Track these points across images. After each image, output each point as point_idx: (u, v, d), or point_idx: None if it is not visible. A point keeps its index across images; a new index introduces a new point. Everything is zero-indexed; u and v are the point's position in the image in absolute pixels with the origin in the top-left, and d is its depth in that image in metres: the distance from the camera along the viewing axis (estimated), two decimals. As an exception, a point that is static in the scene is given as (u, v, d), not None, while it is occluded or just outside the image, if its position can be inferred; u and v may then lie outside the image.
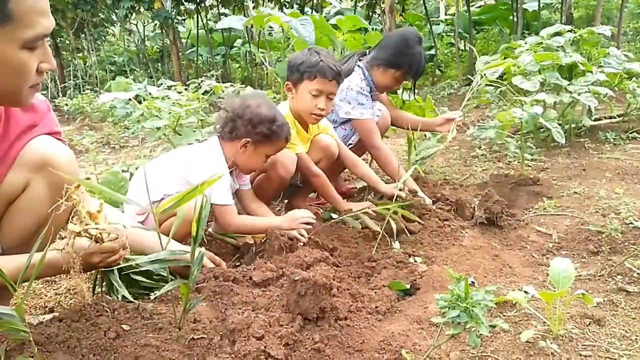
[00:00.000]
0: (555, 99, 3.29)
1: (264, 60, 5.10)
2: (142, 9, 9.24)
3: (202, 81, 4.02)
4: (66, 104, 7.28)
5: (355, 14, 8.28)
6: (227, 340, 1.35)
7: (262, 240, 2.08)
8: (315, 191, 2.80)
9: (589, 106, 3.38)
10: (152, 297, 1.49)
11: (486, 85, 3.49)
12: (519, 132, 3.25)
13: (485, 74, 3.21)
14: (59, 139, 1.43)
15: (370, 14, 9.76)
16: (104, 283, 1.60)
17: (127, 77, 6.98)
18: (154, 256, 1.32)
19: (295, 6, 9.68)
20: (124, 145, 5.33)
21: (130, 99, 3.58)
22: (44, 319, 1.49)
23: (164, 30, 9.83)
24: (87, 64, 11.20)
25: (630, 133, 3.78)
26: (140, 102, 3.39)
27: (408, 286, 1.80)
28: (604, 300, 1.66)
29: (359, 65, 2.91)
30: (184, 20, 10.99)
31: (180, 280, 1.33)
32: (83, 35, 10.29)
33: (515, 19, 8.03)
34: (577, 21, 7.60)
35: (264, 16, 4.03)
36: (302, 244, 2.03)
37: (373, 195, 2.78)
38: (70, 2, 8.84)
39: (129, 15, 9.38)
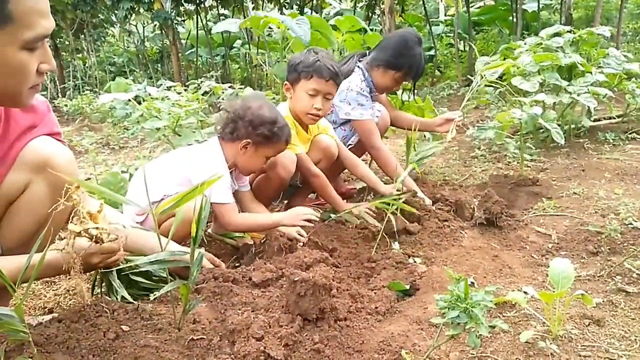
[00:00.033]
0: (554, 99, 3.29)
1: (262, 62, 5.11)
2: (141, 10, 9.25)
3: (201, 82, 4.02)
4: (66, 105, 7.27)
5: (354, 14, 8.29)
6: (227, 341, 1.36)
7: (262, 241, 2.08)
8: (315, 192, 2.80)
9: (589, 107, 3.39)
10: (151, 298, 1.49)
11: (486, 85, 3.49)
12: (519, 133, 3.25)
13: (484, 75, 3.21)
14: (59, 140, 1.43)
15: (370, 14, 9.77)
16: (104, 284, 1.60)
17: (126, 78, 6.98)
18: (154, 257, 1.32)
19: (295, 7, 9.68)
20: (123, 146, 5.33)
21: (129, 100, 3.58)
22: (43, 319, 1.49)
23: (163, 31, 9.83)
24: (86, 65, 11.20)
25: (630, 134, 3.78)
26: (139, 103, 3.39)
27: (407, 287, 1.80)
28: (603, 301, 1.66)
29: (358, 66, 2.92)
30: (184, 21, 11.00)
31: (180, 281, 1.33)
32: (82, 36, 10.29)
33: (514, 19, 8.04)
34: (576, 22, 7.62)
35: (260, 18, 4.03)
36: (301, 244, 2.03)
37: (372, 196, 2.78)
38: (69, 3, 8.84)
39: (128, 16, 9.38)
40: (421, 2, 9.68)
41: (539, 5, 8.15)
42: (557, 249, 2.15)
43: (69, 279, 1.99)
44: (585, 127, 3.78)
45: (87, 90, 8.79)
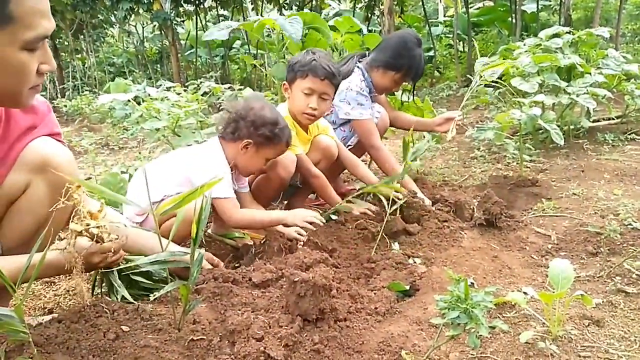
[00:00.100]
0: (553, 100, 3.30)
1: (258, 65, 5.12)
2: (141, 11, 9.26)
3: (201, 82, 4.02)
4: (65, 105, 7.27)
5: (354, 15, 8.30)
6: (227, 341, 1.35)
7: (262, 242, 2.08)
8: (315, 192, 2.80)
9: (588, 108, 3.39)
10: (151, 299, 1.49)
11: (485, 86, 3.49)
12: (518, 134, 3.25)
13: (483, 75, 3.21)
14: (59, 140, 1.44)
15: (369, 15, 9.77)
16: (103, 284, 1.60)
17: (126, 79, 6.99)
18: (154, 257, 1.33)
19: (295, 8, 9.69)
20: (123, 146, 5.33)
21: (129, 100, 3.58)
22: (43, 320, 1.49)
23: (163, 32, 9.84)
24: (86, 65, 11.20)
25: (629, 134, 3.79)
26: (139, 104, 3.39)
27: (407, 287, 1.80)
28: (603, 302, 1.67)
29: (358, 67, 2.92)
30: (183, 21, 11.01)
31: (180, 282, 1.33)
32: (82, 36, 10.29)
33: (513, 20, 8.06)
34: (575, 23, 7.63)
35: (254, 22, 4.03)
36: (301, 243, 2.03)
37: (372, 196, 2.78)
38: (69, 4, 8.84)
39: (128, 17, 9.39)
40: (420, 3, 9.68)
41: (538, 7, 8.17)
42: (557, 250, 2.16)
43: (69, 279, 2.00)
44: (585, 128, 3.79)
45: (86, 90, 8.79)
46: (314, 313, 1.44)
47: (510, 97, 3.66)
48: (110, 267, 1.53)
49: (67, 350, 1.24)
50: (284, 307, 1.50)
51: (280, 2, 9.63)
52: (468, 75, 4.92)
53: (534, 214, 2.55)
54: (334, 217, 2.41)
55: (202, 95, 3.70)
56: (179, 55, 9.88)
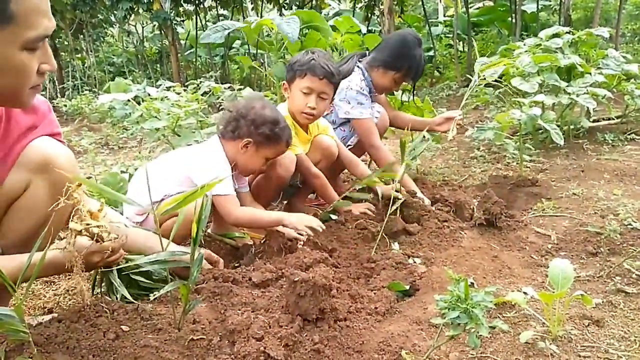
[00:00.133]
0: (553, 100, 3.30)
1: (256, 66, 5.13)
2: (140, 10, 9.25)
3: (201, 82, 4.02)
4: (65, 105, 7.27)
5: (354, 15, 8.30)
6: (227, 341, 1.35)
7: (261, 241, 2.08)
8: (315, 192, 2.80)
9: (588, 108, 3.39)
10: (151, 298, 1.49)
11: (485, 86, 3.49)
12: (518, 134, 3.26)
13: (482, 75, 3.21)
14: (59, 140, 1.44)
15: (369, 15, 9.77)
16: (103, 283, 1.60)
17: (125, 78, 6.97)
18: (154, 257, 1.33)
19: (295, 7, 9.68)
20: (122, 146, 5.33)
21: (129, 100, 3.58)
22: (43, 319, 1.49)
23: (162, 32, 9.82)
24: (85, 65, 11.20)
25: (629, 134, 3.79)
26: (139, 103, 3.38)
27: (407, 287, 1.80)
28: (602, 301, 1.67)
29: (358, 66, 2.92)
30: (183, 21, 11.00)
31: (180, 281, 1.33)
32: (82, 36, 10.28)
33: (513, 20, 8.06)
34: (575, 23, 7.63)
35: (250, 24, 4.03)
36: (301, 243, 2.03)
37: (372, 196, 2.78)
38: (69, 3, 8.84)
39: (127, 17, 9.38)
40: (420, 3, 9.68)
41: (537, 7, 8.17)
42: (557, 250, 2.16)
43: (69, 278, 2.00)
44: (585, 128, 3.79)
45: (86, 90, 8.79)
46: (314, 313, 1.44)
47: (510, 97, 3.66)
48: (110, 267, 1.53)
49: (67, 349, 1.24)
50: (284, 307, 1.50)
51: (280, 2, 9.62)
52: (467, 75, 4.93)
53: (533, 213, 2.55)
54: (334, 217, 2.41)
55: (202, 95, 3.70)
56: (179, 55, 9.87)
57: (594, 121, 4.04)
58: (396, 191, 2.31)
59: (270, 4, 9.80)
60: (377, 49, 2.97)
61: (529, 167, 3.32)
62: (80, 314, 1.37)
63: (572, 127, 3.85)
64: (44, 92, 9.32)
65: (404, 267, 1.94)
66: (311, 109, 2.41)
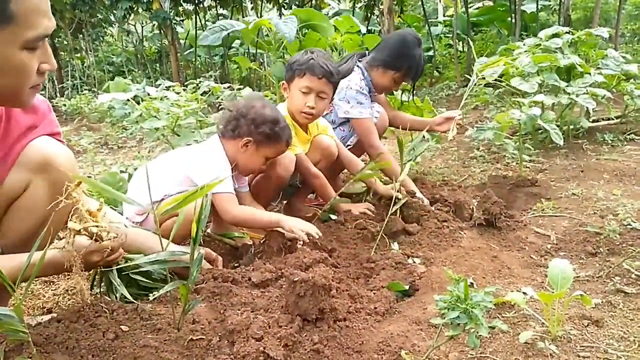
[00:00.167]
0: (553, 100, 3.30)
1: (256, 67, 5.13)
2: (140, 10, 9.24)
3: (200, 82, 4.02)
4: (64, 104, 7.27)
5: (353, 15, 8.29)
6: (226, 341, 1.35)
7: (261, 241, 2.08)
8: (314, 192, 2.80)
9: (587, 108, 3.40)
10: (151, 298, 1.49)
11: (485, 86, 3.49)
12: (517, 134, 3.26)
13: (480, 74, 3.21)
14: (59, 140, 1.43)
15: (369, 15, 9.76)
16: (102, 283, 1.59)
17: (125, 78, 6.98)
18: (154, 257, 1.33)
19: (294, 7, 9.68)
20: (122, 145, 5.33)
21: (128, 100, 3.58)
22: (42, 319, 1.49)
23: (162, 31, 9.82)
24: (85, 65, 11.19)
25: (628, 135, 3.79)
26: (138, 103, 3.38)
27: (407, 287, 1.80)
28: (602, 302, 1.67)
29: (358, 66, 2.92)
30: (182, 21, 10.98)
31: (180, 281, 1.32)
32: (81, 35, 10.28)
33: (513, 20, 8.06)
34: (575, 23, 7.63)
35: (248, 24, 4.04)
36: (301, 243, 2.02)
37: (372, 196, 2.78)
38: (68, 3, 8.83)
39: (127, 16, 9.37)
40: (420, 3, 9.68)
41: (537, 7, 8.17)
42: (556, 250, 2.16)
43: (68, 278, 2.00)
44: (584, 128, 3.79)
45: (85, 89, 8.79)
46: (313, 313, 1.44)
47: (510, 97, 3.66)
48: (110, 266, 1.53)
49: (66, 349, 1.24)
50: (283, 307, 1.50)
51: (280, 1, 9.62)
52: (466, 76, 4.93)
53: (533, 214, 2.55)
54: (333, 217, 2.41)
55: (201, 94, 3.70)
56: (178, 54, 9.86)
57: (593, 121, 4.05)
58: (397, 191, 2.31)
59: (270, 3, 9.79)
60: (377, 49, 2.97)
61: (529, 167, 3.32)
62: (79, 314, 1.37)
63: (571, 127, 3.85)
64: (43, 92, 9.31)
65: (404, 267, 1.94)
66: (310, 109, 2.41)
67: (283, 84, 2.53)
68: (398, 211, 2.31)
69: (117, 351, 1.26)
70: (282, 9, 9.68)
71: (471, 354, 1.38)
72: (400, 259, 1.99)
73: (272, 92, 4.44)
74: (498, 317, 1.57)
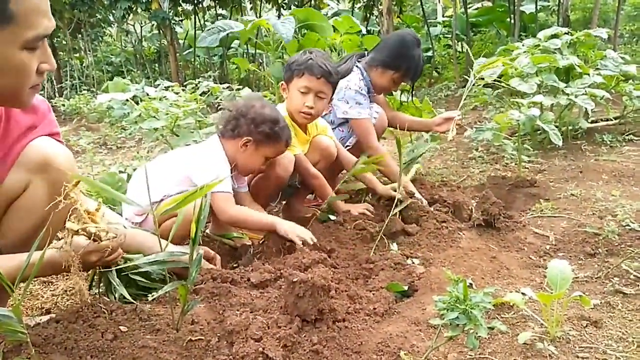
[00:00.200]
0: (552, 101, 3.30)
1: (254, 68, 5.13)
2: (139, 10, 9.23)
3: (199, 82, 4.02)
4: (63, 105, 7.26)
5: (352, 15, 8.29)
6: (225, 341, 1.35)
7: (260, 242, 2.08)
8: (314, 192, 2.80)
9: (586, 108, 3.40)
10: (150, 299, 1.49)
11: (484, 86, 3.49)
12: (516, 134, 3.26)
13: (477, 75, 3.21)
14: (59, 140, 1.43)
15: (368, 15, 9.77)
16: (101, 284, 1.59)
17: (124, 78, 6.97)
18: (153, 257, 1.32)
19: (293, 7, 9.67)
20: (120, 146, 5.33)
21: (127, 100, 3.58)
22: (41, 320, 1.49)
23: (161, 31, 9.81)
24: (84, 65, 11.19)
25: (627, 135, 3.79)
26: (137, 103, 3.38)
27: (406, 288, 1.80)
28: (601, 302, 1.67)
29: (357, 66, 2.92)
30: (182, 21, 10.97)
31: (179, 282, 1.32)
32: (80, 35, 10.27)
33: (512, 21, 8.06)
34: (573, 24, 7.65)
35: (247, 24, 4.04)
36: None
37: (371, 197, 2.78)
38: (67, 3, 8.82)
39: (126, 16, 9.37)
40: (419, 3, 9.69)
41: (536, 7, 8.17)
42: (555, 251, 2.16)
43: (67, 279, 1.99)
44: (583, 128, 3.79)
45: (84, 89, 8.78)
46: (312, 313, 1.43)
47: (509, 97, 3.66)
48: (109, 266, 1.53)
49: (65, 350, 1.24)
50: (282, 308, 1.49)
51: (279, 1, 9.62)
52: (465, 76, 4.93)
53: (532, 214, 2.55)
54: (332, 217, 2.41)
55: (200, 95, 3.70)
56: (177, 54, 9.86)
57: (592, 122, 4.05)
58: (397, 192, 2.31)
59: (269, 3, 9.78)
60: (376, 49, 2.97)
61: (528, 168, 3.32)
62: (78, 315, 1.37)
63: (570, 127, 3.85)
64: (41, 92, 9.27)
65: (403, 267, 1.94)
66: (309, 108, 2.40)
67: (282, 84, 2.53)
68: (396, 212, 2.31)
69: (115, 352, 1.26)
70: (282, 9, 9.67)
71: (470, 355, 1.38)
72: (399, 260, 1.99)
73: (271, 93, 4.44)
74: (497, 317, 1.57)
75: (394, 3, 8.34)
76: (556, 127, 3.14)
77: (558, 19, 7.56)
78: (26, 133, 1.36)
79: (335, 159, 2.60)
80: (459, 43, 9.02)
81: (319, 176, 2.47)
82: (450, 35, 9.39)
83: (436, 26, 10.54)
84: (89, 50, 10.35)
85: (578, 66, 3.48)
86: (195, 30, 10.07)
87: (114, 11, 9.61)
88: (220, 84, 4.18)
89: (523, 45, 3.80)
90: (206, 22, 10.25)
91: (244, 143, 2.14)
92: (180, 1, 9.33)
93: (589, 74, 3.48)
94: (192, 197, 1.26)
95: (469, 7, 9.10)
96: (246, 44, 9.45)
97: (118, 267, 1.53)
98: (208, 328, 1.41)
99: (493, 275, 1.92)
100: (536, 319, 1.53)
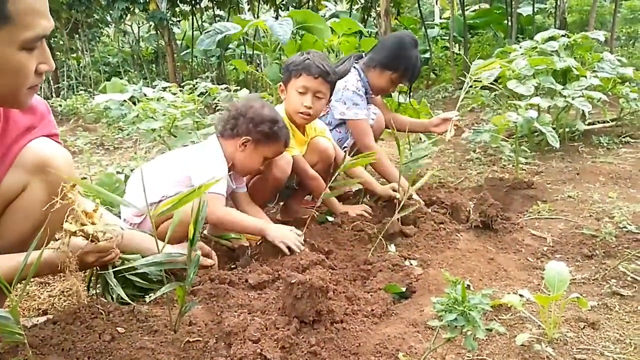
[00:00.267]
0: (549, 103, 3.31)
1: (252, 70, 5.13)
2: (136, 10, 9.22)
3: (197, 83, 4.01)
4: (60, 105, 7.25)
5: (350, 17, 8.30)
6: (223, 343, 1.35)
7: (258, 243, 2.07)
8: (311, 194, 2.80)
9: (583, 110, 3.41)
10: (147, 300, 1.48)
11: (481, 88, 3.50)
12: (514, 136, 3.27)
13: (478, 77, 3.22)
14: (57, 141, 1.43)
15: (366, 17, 9.78)
16: (99, 284, 1.59)
17: (121, 78, 6.95)
18: (151, 258, 1.32)
19: (292, 8, 9.68)
20: (118, 146, 5.31)
21: (125, 100, 3.57)
22: (37, 321, 1.48)
23: (158, 32, 9.81)
24: (81, 65, 11.16)
25: (624, 137, 3.81)
26: (135, 104, 3.38)
27: (404, 289, 1.80)
28: (598, 304, 1.67)
29: (355, 67, 2.92)
30: (179, 21, 10.97)
31: (176, 283, 1.32)
32: (77, 35, 10.25)
33: (509, 23, 8.09)
34: (570, 26, 7.68)
35: (244, 23, 4.04)
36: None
37: (369, 198, 2.78)
38: (64, 3, 8.80)
39: (123, 16, 9.35)
40: (417, 5, 9.70)
41: (533, 9, 8.20)
42: (552, 252, 2.16)
43: (64, 279, 1.99)
44: (580, 130, 3.80)
45: (81, 90, 8.77)
46: (310, 315, 1.43)
47: (506, 99, 3.67)
48: (106, 267, 1.52)
49: (62, 351, 1.24)
50: (280, 309, 1.49)
51: (277, 3, 9.62)
52: (461, 78, 4.95)
53: (529, 216, 2.56)
54: (330, 218, 2.41)
55: (198, 95, 3.69)
56: (175, 55, 9.85)
57: (589, 124, 4.06)
58: (397, 192, 2.31)
59: (267, 4, 9.79)
60: (374, 50, 2.98)
61: (525, 170, 3.33)
62: (75, 316, 1.36)
63: (567, 129, 3.86)
64: (39, 92, 9.27)
65: (401, 269, 1.94)
66: (307, 109, 2.40)
67: (280, 85, 2.53)
68: (395, 213, 2.31)
69: (113, 353, 1.25)
70: (279, 10, 9.68)
71: (468, 356, 1.38)
72: (397, 261, 1.99)
73: (269, 94, 4.44)
74: (495, 319, 1.57)
75: (392, 5, 8.36)
76: (553, 129, 3.15)
77: (555, 21, 7.59)
78: (25, 134, 1.35)
79: (333, 160, 2.60)
80: (457, 45, 9.04)
81: (317, 177, 2.47)
82: (447, 37, 9.41)
83: (433, 28, 10.56)
84: (86, 51, 10.34)
85: (575, 68, 3.49)
86: (192, 31, 10.07)
87: (111, 11, 9.59)
88: (218, 84, 4.17)
89: (520, 48, 3.82)
90: (204, 23, 10.25)
91: (242, 143, 2.14)
92: (178, 2, 9.33)
93: (586, 76, 3.49)
94: (189, 197, 1.26)
95: (467, 9, 9.11)
96: (244, 45, 9.46)
97: (115, 268, 1.53)
98: (206, 329, 1.41)
99: (491, 276, 1.92)
100: (534, 320, 1.54)
